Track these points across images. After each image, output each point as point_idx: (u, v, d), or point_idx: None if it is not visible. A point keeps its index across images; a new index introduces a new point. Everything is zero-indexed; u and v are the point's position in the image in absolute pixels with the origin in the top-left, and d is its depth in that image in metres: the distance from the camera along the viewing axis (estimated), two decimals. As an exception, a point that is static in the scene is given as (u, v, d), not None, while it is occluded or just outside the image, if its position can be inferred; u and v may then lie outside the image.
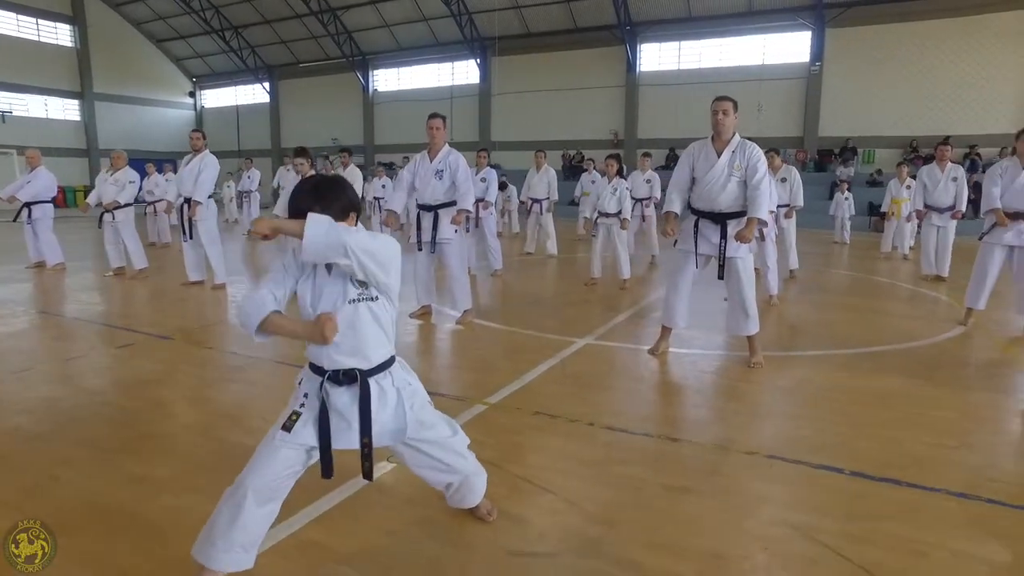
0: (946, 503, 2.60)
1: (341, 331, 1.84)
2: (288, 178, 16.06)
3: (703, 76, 20.77)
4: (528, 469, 2.78)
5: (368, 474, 1.97)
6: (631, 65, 21.65)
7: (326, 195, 1.83)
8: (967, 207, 7.87)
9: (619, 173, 7.57)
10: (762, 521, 2.39)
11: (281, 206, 6.40)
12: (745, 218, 4.16)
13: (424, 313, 5.78)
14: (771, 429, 3.30)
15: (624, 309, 6.30)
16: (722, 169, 4.20)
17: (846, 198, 12.93)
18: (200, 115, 30.81)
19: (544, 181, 10.65)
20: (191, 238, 7.00)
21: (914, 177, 9.87)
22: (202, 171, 6.80)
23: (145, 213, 11.47)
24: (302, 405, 1.94)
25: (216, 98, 30.55)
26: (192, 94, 30.51)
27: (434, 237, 5.45)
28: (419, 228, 5.51)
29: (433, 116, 5.43)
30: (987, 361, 4.83)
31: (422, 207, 5.50)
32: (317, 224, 1.71)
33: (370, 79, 25.74)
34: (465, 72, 24.12)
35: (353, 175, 8.91)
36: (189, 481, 2.66)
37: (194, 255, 7.19)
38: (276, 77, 28.08)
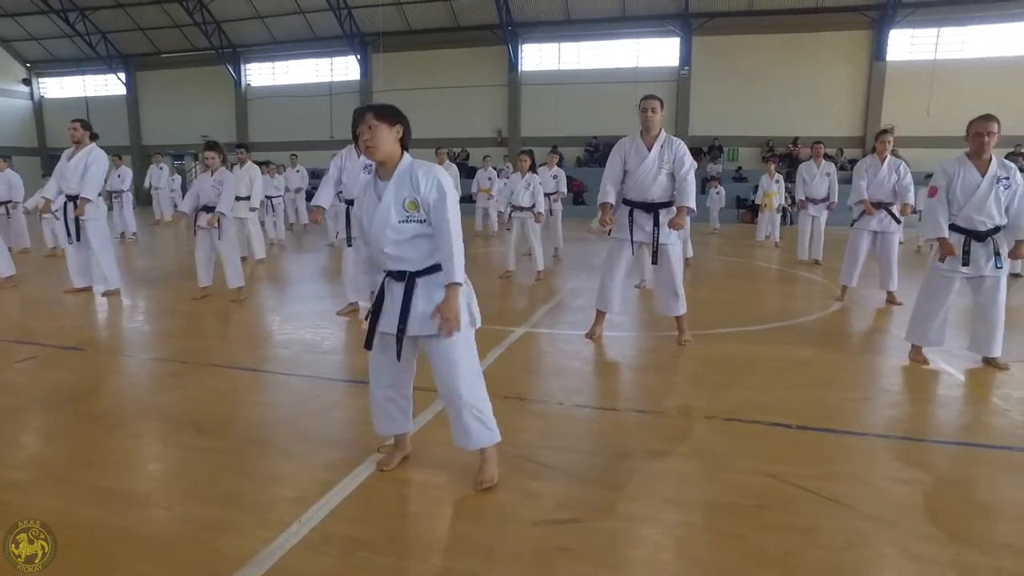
0: (873, 443, 3.07)
1: (392, 243, 2.32)
2: (162, 177, 14.97)
3: (582, 77, 21.72)
4: (520, 448, 2.88)
5: (397, 355, 2.42)
6: (513, 65, 22.10)
7: (386, 114, 2.31)
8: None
9: (532, 168, 7.82)
10: (740, 473, 2.68)
11: (189, 204, 5.97)
12: (675, 207, 4.53)
13: (352, 311, 5.66)
14: (720, 396, 3.64)
15: (546, 299, 6.55)
16: (653, 162, 4.53)
17: (718, 192, 14.13)
18: (39, 106, 27.36)
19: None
20: (78, 240, 6.34)
21: (782, 172, 11.06)
22: (90, 166, 6.16)
23: (-4, 216, 10.11)
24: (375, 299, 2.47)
25: (59, 88, 27.22)
26: (27, 81, 27.01)
27: (365, 233, 5.37)
28: (348, 224, 5.40)
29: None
30: (865, 329, 5.58)
31: (350, 203, 5.39)
32: (457, 281, 2.31)
33: (242, 73, 24.20)
34: (345, 68, 23.38)
35: (253, 173, 8.44)
36: (175, 489, 2.51)
37: (79, 259, 6.50)
38: (133, 67, 25.56)
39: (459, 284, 2.30)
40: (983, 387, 3.92)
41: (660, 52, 20.99)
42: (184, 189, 18.33)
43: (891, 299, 6.26)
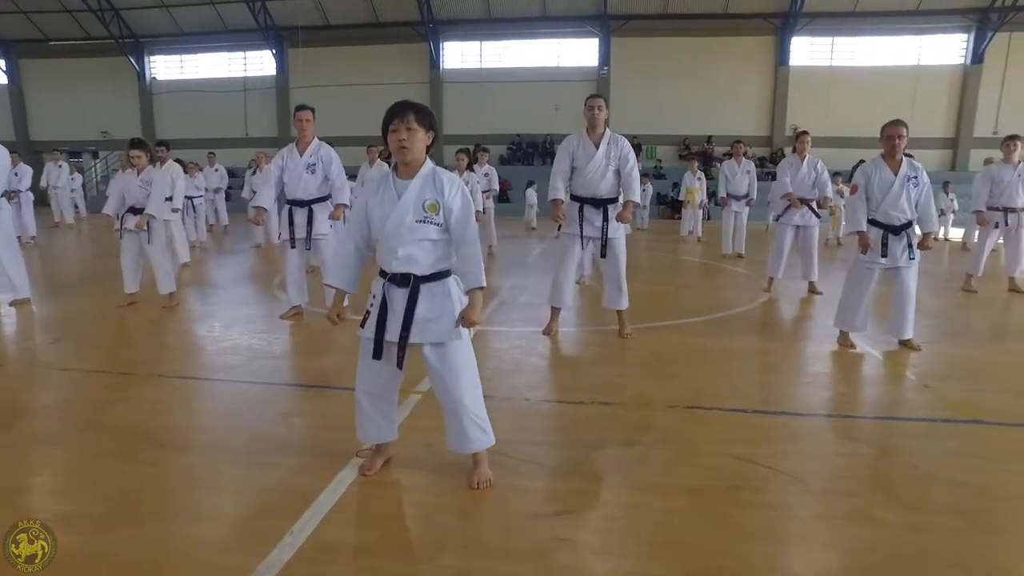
0: (820, 423, 3.35)
1: (404, 242, 2.32)
2: (61, 176, 13.85)
3: (504, 75, 21.90)
4: (497, 444, 2.88)
5: (399, 363, 2.42)
6: (435, 62, 21.99)
7: (424, 118, 2.33)
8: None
9: (469, 167, 7.84)
10: (709, 456, 2.84)
11: (113, 205, 5.57)
12: (622, 201, 4.70)
13: (296, 314, 5.50)
14: (675, 386, 3.82)
15: (488, 297, 6.58)
16: (601, 159, 4.68)
17: (644, 190, 14.62)
18: (-100, 95, 24.61)
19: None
20: (-23, 246, 5.78)
21: (702, 170, 11.59)
22: (-13, 164, 5.65)
23: None
24: (371, 304, 2.43)
25: (-75, 75, 24.59)
26: None
27: (309, 233, 5.24)
28: (291, 224, 5.24)
29: (302, 108, 5.20)
30: (794, 318, 5.99)
31: (294, 203, 5.24)
32: (483, 285, 2.38)
33: (146, 65, 22.72)
34: (260, 63, 22.48)
35: (174, 172, 7.98)
36: (147, 508, 2.37)
37: (-22, 267, 5.94)
38: (16, 55, 23.43)
39: (483, 288, 2.36)
40: (902, 366, 4.31)
41: (580, 52, 21.49)
42: (86, 188, 17.12)
43: (812, 289, 6.74)
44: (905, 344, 4.65)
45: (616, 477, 2.65)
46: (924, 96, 19.69)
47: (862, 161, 17.12)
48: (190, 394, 3.68)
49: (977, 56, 19.84)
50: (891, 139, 4.45)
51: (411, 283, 2.35)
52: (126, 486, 2.55)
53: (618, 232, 4.76)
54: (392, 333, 2.38)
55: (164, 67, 23.04)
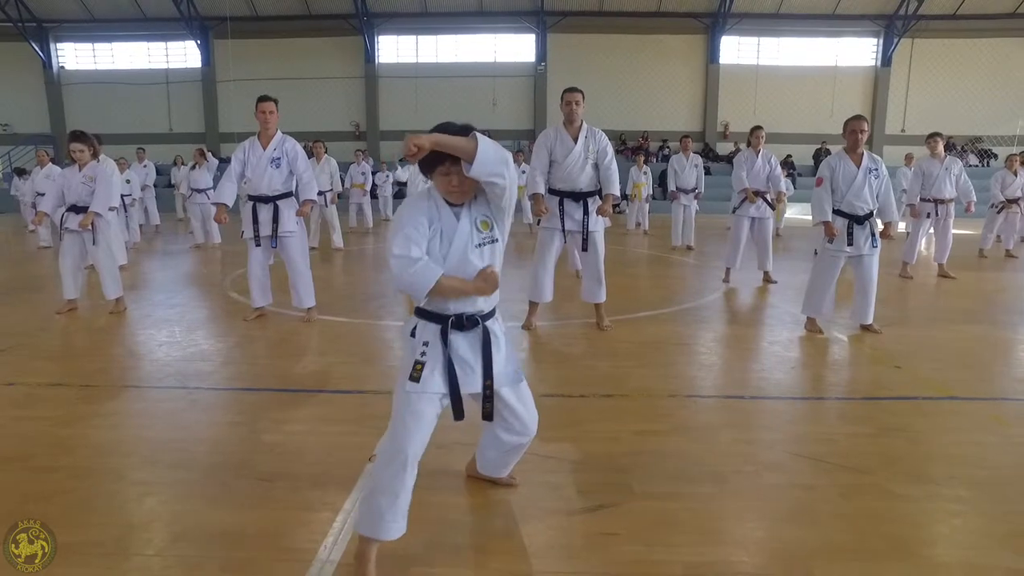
0: (815, 406, 3.52)
1: (467, 276, 1.93)
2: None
3: (441, 70, 21.62)
4: (514, 442, 2.86)
5: (488, 415, 2.08)
6: (370, 56, 21.48)
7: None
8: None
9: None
10: (725, 443, 2.89)
11: (51, 203, 5.10)
12: (603, 195, 4.71)
13: (260, 316, 5.23)
14: (669, 375, 3.87)
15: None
16: (579, 153, 4.68)
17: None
18: None
19: (326, 172, 10.15)
20: None
21: (647, 163, 11.81)
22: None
23: None
24: (423, 354, 1.96)
25: None
26: None
27: (274, 231, 4.98)
28: (256, 221, 4.97)
29: (264, 99, 4.93)
30: (757, 306, 6.19)
31: (258, 199, 4.97)
32: (485, 140, 1.81)
33: (53, 53, 21.03)
34: (183, 54, 21.27)
35: (109, 167, 7.39)
36: (161, 532, 2.18)
37: None
38: None
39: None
40: (872, 349, 4.52)
41: (517, 48, 21.51)
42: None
43: (767, 278, 6.99)
44: (867, 328, 4.89)
45: (641, 469, 2.64)
46: (841, 95, 20.83)
47: (789, 156, 17.88)
48: (167, 405, 3.42)
49: (886, 59, 21.17)
50: (854, 133, 4.66)
51: (478, 325, 1.99)
52: (127, 509, 2.33)
53: (598, 226, 4.78)
54: (470, 385, 1.99)
55: (74, 56, 21.38)
